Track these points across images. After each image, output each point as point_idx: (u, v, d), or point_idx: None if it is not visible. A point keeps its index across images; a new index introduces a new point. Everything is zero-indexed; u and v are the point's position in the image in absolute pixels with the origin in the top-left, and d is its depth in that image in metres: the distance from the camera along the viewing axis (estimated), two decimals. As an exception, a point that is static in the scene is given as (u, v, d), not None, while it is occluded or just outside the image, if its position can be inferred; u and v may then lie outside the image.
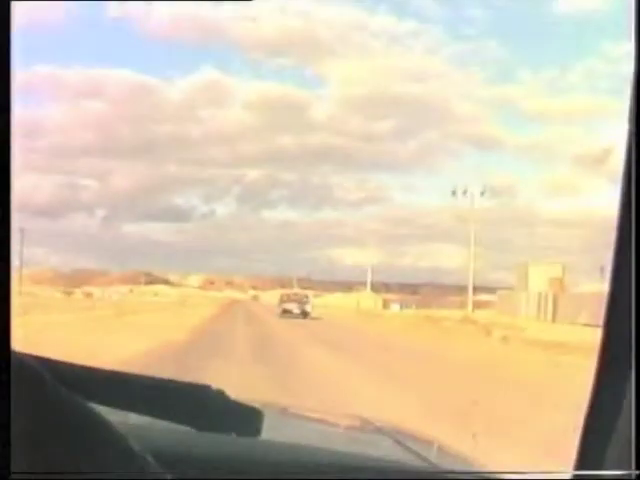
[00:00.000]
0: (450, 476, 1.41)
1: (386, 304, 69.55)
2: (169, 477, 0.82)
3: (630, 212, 1.00)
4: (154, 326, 21.68)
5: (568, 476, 1.09)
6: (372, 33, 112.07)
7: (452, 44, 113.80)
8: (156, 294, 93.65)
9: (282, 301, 40.46)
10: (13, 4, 0.78)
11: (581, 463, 1.05)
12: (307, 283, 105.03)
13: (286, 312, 37.99)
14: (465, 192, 48.59)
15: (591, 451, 1.03)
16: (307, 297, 42.84)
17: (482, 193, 48.64)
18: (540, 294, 41.11)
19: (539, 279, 44.46)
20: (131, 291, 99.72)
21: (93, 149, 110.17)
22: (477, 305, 50.04)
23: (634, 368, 0.95)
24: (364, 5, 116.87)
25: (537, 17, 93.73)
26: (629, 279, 0.97)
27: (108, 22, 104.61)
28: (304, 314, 38.12)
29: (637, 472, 0.94)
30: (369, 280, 73.75)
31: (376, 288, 79.11)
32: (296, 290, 50.16)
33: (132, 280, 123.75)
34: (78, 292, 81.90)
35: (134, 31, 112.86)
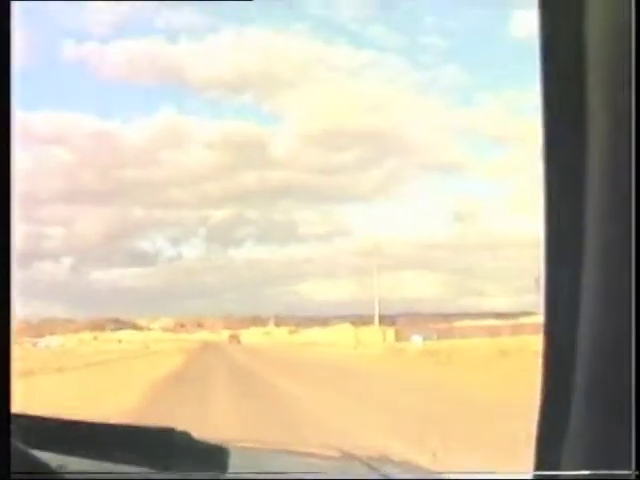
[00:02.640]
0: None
1: (399, 336, 55.17)
2: None
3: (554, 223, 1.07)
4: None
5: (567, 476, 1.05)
6: (329, 65, 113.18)
7: (411, 72, 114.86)
8: (120, 341, 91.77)
9: None
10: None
11: (538, 464, 1.05)
12: (281, 320, 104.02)
13: None
14: None
15: (548, 452, 1.03)
16: None
17: None
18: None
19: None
20: (95, 338, 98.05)
21: (56, 196, 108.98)
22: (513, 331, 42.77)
23: (634, 367, 0.96)
24: (320, 37, 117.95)
25: (494, 41, 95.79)
26: (568, 286, 1.04)
27: (63, 66, 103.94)
28: None
29: (637, 472, 0.95)
30: (377, 312, 62.69)
31: (354, 321, 76.42)
32: None
33: (100, 327, 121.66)
34: (27, 342, 78.10)
35: (90, 74, 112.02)
